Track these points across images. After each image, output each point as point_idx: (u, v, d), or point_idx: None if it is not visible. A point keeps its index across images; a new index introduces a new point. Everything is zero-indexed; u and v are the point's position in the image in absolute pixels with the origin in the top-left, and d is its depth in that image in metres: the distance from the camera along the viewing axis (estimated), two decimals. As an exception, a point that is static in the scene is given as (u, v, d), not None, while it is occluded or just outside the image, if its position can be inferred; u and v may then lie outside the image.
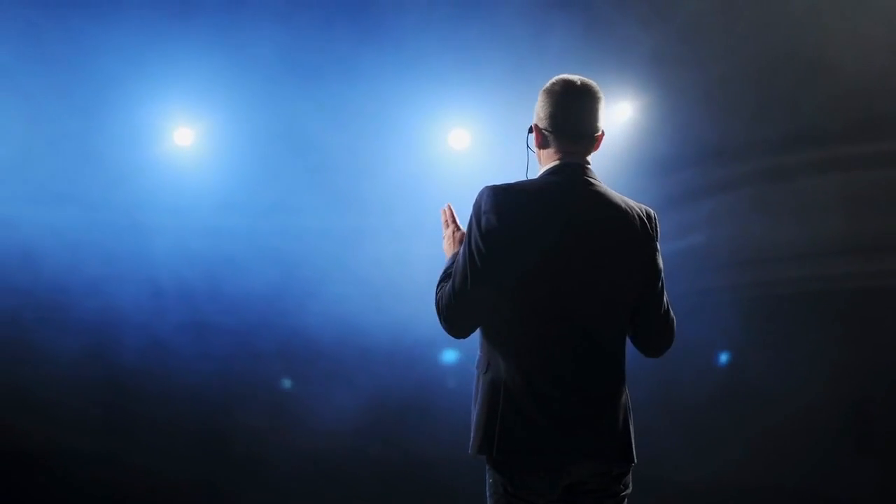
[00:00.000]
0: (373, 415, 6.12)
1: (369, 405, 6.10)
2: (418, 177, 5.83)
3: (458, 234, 2.70)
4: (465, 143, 5.93)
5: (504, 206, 2.42)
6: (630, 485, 2.52)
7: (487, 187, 2.46)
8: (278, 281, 6.12)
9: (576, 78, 2.57)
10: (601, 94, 2.58)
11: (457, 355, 6.19)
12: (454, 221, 2.76)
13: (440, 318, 2.51)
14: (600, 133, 2.59)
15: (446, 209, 2.79)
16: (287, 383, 6.37)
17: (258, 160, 6.02)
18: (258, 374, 6.35)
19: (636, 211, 2.56)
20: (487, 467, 2.45)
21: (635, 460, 2.49)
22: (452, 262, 2.58)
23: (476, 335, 2.54)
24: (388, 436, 6.28)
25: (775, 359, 5.83)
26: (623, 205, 2.54)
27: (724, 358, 6.12)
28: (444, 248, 2.75)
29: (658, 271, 2.57)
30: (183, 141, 5.96)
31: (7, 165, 5.71)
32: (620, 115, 5.84)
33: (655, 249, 2.57)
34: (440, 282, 2.57)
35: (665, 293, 2.60)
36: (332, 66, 5.64)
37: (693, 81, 5.55)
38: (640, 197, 5.63)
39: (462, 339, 2.54)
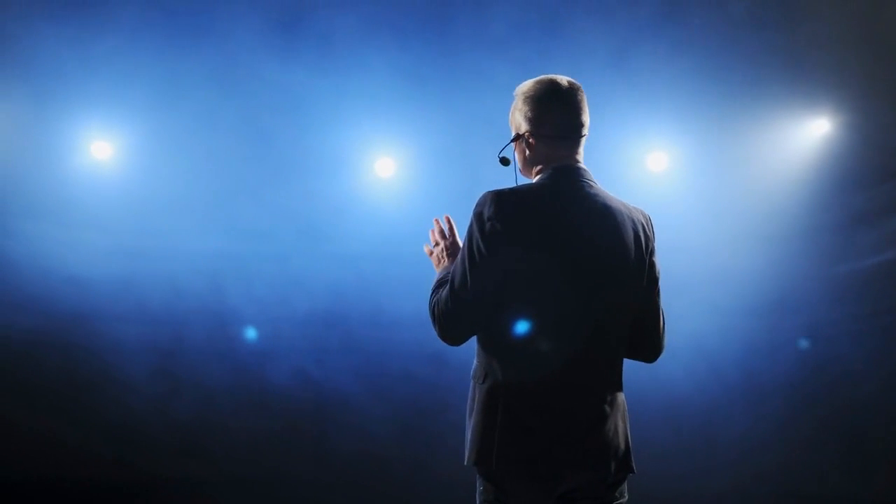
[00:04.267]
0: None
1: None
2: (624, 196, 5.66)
3: (454, 249, 2.64)
4: (662, 164, 5.78)
5: (508, 210, 2.35)
6: (626, 494, 2.46)
7: (490, 191, 2.39)
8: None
9: (561, 78, 2.51)
10: (584, 92, 2.53)
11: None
12: (453, 234, 2.69)
13: (434, 324, 2.43)
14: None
15: (444, 221, 2.71)
16: (444, 412, 6.19)
17: (414, 185, 5.92)
18: (417, 402, 6.20)
19: (634, 214, 2.50)
20: (478, 475, 2.40)
21: (634, 470, 2.44)
22: (446, 274, 2.51)
23: (472, 344, 2.47)
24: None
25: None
26: (623, 208, 2.48)
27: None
28: (435, 259, 2.68)
29: (655, 270, 2.52)
30: (380, 173, 5.94)
31: (190, 202, 5.81)
32: (817, 131, 5.65)
33: (654, 252, 2.52)
34: (434, 290, 2.49)
35: (661, 298, 2.55)
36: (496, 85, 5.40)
37: (887, 94, 5.35)
38: (836, 212, 5.53)
39: (458, 347, 2.47)
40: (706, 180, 5.61)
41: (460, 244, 2.60)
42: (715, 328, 5.74)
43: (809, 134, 5.64)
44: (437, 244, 2.70)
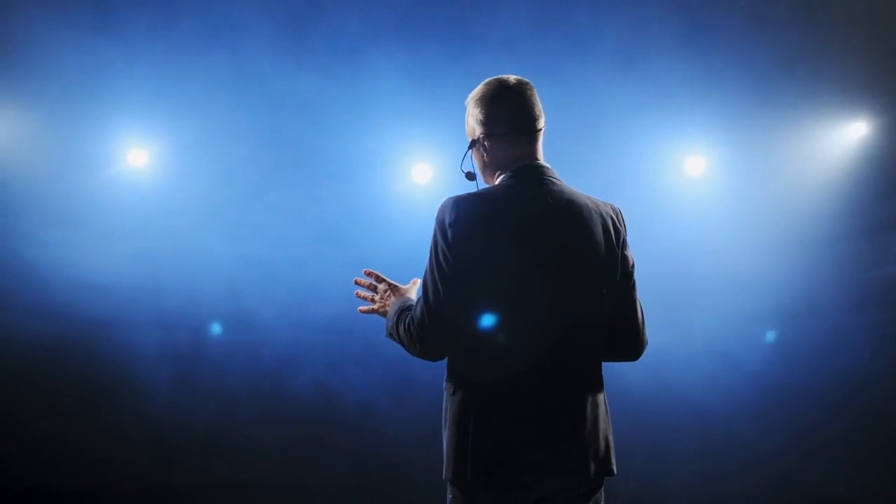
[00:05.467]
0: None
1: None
2: (654, 204, 5.68)
3: (394, 290, 2.59)
4: (700, 169, 5.76)
5: (468, 214, 2.32)
6: (602, 502, 2.41)
7: (450, 198, 2.36)
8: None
9: (507, 76, 2.48)
10: (533, 86, 2.49)
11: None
12: (382, 279, 2.65)
13: (412, 343, 2.37)
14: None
15: (365, 276, 2.67)
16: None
17: (441, 191, 5.82)
18: (438, 408, 6.09)
19: (603, 208, 2.44)
20: (449, 484, 2.35)
21: (613, 472, 2.37)
22: (404, 302, 2.50)
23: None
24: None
25: None
26: (591, 203, 2.43)
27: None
28: (380, 308, 2.62)
29: (631, 268, 2.47)
30: (418, 178, 5.90)
31: (215, 209, 5.79)
32: (854, 133, 5.61)
33: (626, 245, 2.47)
34: (398, 319, 2.44)
35: (637, 289, 2.49)
36: (576, 94, 5.45)
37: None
38: (868, 217, 5.47)
39: (436, 363, 2.41)
40: (741, 185, 5.61)
41: (395, 283, 2.61)
42: (739, 333, 5.72)
43: (847, 137, 5.61)
44: (373, 299, 2.65)
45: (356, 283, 2.69)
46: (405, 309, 2.45)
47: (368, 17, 5.53)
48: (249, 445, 5.96)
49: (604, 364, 2.49)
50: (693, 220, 5.60)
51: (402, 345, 2.42)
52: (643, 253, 5.66)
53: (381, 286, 2.64)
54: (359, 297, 2.69)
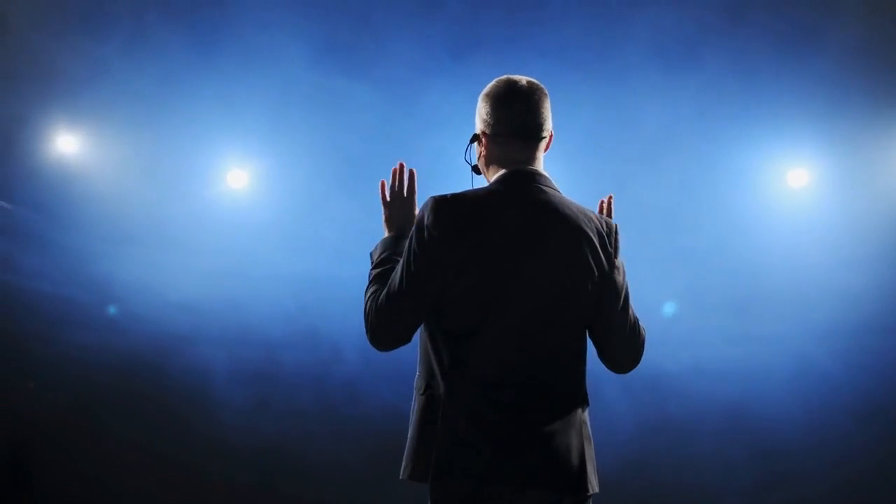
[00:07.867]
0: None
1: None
2: (758, 216, 5.66)
3: (400, 213, 2.51)
4: (803, 181, 5.66)
5: (446, 217, 2.27)
6: None
7: (431, 197, 2.30)
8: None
9: (520, 78, 2.43)
10: (547, 93, 2.42)
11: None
12: (401, 197, 2.53)
13: (366, 323, 2.37)
14: (550, 134, 2.44)
15: (407, 175, 2.54)
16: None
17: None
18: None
19: (594, 222, 2.38)
20: (429, 498, 2.26)
21: (592, 489, 2.28)
22: (382, 252, 2.43)
23: (414, 353, 2.36)
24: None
25: None
26: (580, 215, 2.36)
27: None
28: (384, 220, 2.54)
29: (617, 285, 2.38)
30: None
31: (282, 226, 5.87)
32: None
33: (614, 262, 2.38)
34: (370, 282, 2.41)
35: (630, 308, 2.42)
36: (653, 107, 5.48)
37: None
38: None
39: (386, 353, 2.40)
40: (849, 195, 5.48)
41: (415, 210, 2.51)
42: (826, 349, 5.63)
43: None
44: (385, 206, 2.54)
45: (392, 172, 2.57)
46: (384, 272, 2.39)
47: (424, 34, 5.59)
48: (323, 464, 5.98)
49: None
50: (793, 234, 5.51)
51: (363, 316, 2.38)
52: (731, 263, 5.48)
53: (390, 208, 2.54)
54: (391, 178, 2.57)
